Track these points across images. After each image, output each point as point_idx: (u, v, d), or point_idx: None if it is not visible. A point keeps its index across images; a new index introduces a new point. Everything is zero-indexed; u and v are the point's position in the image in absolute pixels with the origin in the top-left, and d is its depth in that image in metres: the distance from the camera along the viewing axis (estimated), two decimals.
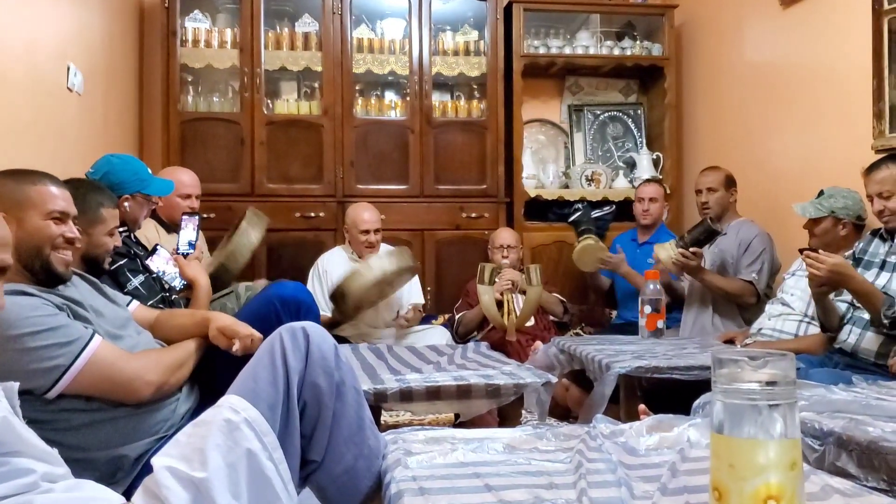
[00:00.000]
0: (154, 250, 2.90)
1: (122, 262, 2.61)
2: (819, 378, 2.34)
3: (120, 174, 2.73)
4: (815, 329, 3.09)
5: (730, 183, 3.80)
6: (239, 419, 1.39)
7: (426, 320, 4.14)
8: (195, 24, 4.54)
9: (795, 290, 3.25)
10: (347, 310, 3.60)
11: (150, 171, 2.91)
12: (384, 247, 4.07)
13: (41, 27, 2.91)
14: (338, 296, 3.54)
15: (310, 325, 1.59)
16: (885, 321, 2.52)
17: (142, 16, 4.59)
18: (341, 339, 3.64)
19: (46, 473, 1.30)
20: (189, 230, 3.21)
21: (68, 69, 3.13)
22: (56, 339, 1.60)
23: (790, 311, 3.21)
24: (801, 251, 2.71)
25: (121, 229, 2.70)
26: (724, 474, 1.00)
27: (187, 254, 3.16)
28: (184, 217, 3.25)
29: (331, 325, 3.69)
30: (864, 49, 3.32)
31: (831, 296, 2.77)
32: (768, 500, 0.98)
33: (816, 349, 2.92)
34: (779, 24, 4.02)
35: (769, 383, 1.00)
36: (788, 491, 0.98)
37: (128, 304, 2.07)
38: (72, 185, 2.11)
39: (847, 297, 2.79)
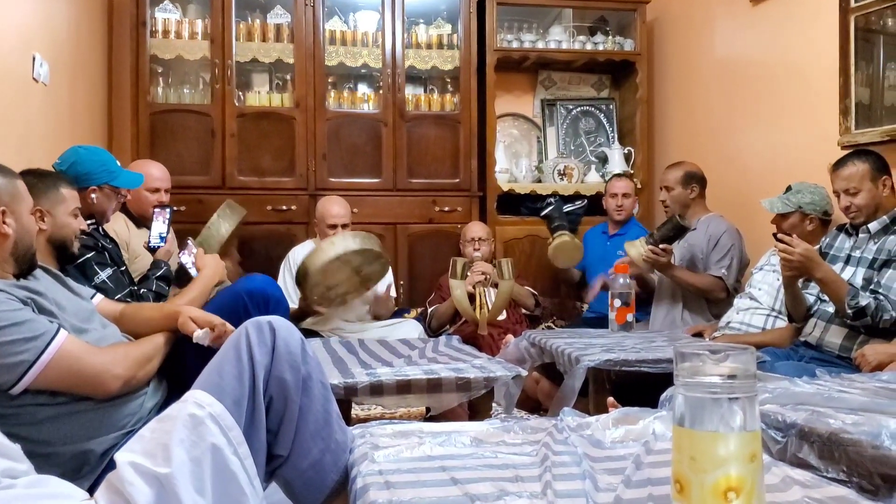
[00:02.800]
0: (186, 243, 2.97)
1: (89, 255, 2.59)
2: (784, 371, 2.37)
3: (87, 165, 2.70)
4: (782, 323, 3.14)
5: (688, 179, 3.82)
6: (203, 414, 1.38)
7: (398, 314, 4.14)
8: (165, 14, 4.49)
9: (763, 284, 3.29)
10: (310, 290, 3.50)
11: (118, 163, 2.88)
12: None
13: (5, 16, 2.85)
14: (300, 276, 3.47)
15: (276, 319, 1.58)
16: (849, 311, 2.57)
17: (110, 5, 4.52)
18: (313, 334, 3.63)
19: (7, 469, 1.29)
20: (160, 223, 3.19)
21: (34, 59, 3.08)
22: (21, 335, 1.58)
23: (758, 305, 3.26)
24: (774, 235, 2.75)
25: (89, 222, 2.68)
26: (686, 467, 1.01)
27: (158, 247, 3.14)
28: (155, 210, 3.24)
29: (301, 316, 3.66)
30: (832, 46, 3.36)
31: (799, 283, 2.82)
32: (728, 493, 0.98)
33: (783, 342, 2.97)
34: (748, 21, 4.05)
35: (730, 377, 1.01)
36: (748, 483, 0.99)
37: (92, 297, 2.05)
38: (25, 173, 2.10)
39: (814, 289, 2.84)
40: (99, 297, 2.11)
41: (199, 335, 1.88)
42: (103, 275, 2.60)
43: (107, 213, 2.85)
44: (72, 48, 3.70)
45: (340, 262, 3.43)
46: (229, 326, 1.88)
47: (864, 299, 2.55)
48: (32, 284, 1.75)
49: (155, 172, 3.44)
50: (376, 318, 3.97)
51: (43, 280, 1.84)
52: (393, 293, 4.08)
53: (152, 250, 3.16)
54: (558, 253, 4.09)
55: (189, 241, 3.02)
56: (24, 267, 1.77)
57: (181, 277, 2.88)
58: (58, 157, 2.79)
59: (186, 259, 2.90)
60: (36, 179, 2.13)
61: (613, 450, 1.47)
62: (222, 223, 3.57)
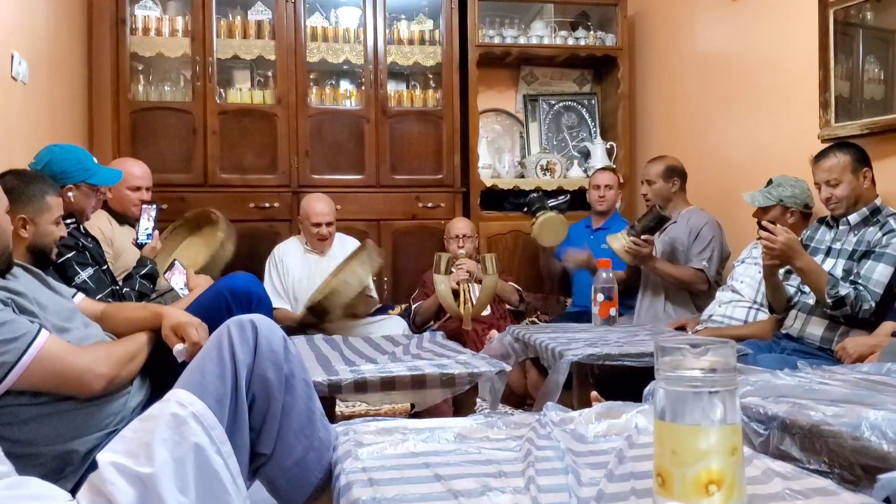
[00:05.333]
0: (172, 264, 2.98)
1: (69, 255, 2.57)
2: (766, 363, 2.39)
3: (62, 164, 2.67)
4: (763, 315, 3.16)
5: (670, 173, 3.84)
6: (186, 413, 1.37)
7: (383, 310, 4.13)
8: (145, 11, 4.47)
9: (745, 277, 3.31)
10: (326, 322, 3.57)
11: (95, 160, 2.87)
12: (344, 238, 4.05)
13: None
14: (318, 311, 3.50)
15: (258, 318, 1.58)
16: (829, 300, 2.59)
17: (89, 3, 4.49)
18: (297, 331, 3.61)
19: None
20: (145, 220, 3.24)
21: (12, 58, 3.06)
22: (1, 336, 1.56)
23: (740, 297, 3.28)
24: (758, 223, 2.77)
25: (68, 221, 2.66)
26: (667, 460, 1.02)
27: (145, 243, 3.17)
28: (143, 206, 3.27)
29: (299, 326, 3.64)
30: (811, 40, 3.38)
31: (780, 273, 2.84)
32: (709, 485, 0.99)
33: (765, 335, 2.99)
34: (728, 16, 4.07)
35: (710, 370, 1.01)
36: (729, 476, 1.00)
37: (73, 296, 2.03)
38: (14, 175, 2.07)
39: (795, 281, 2.86)
40: (80, 295, 2.09)
41: (179, 349, 1.86)
42: (84, 275, 2.58)
43: (86, 212, 2.82)
44: (51, 46, 3.67)
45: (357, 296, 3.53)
46: (202, 342, 1.85)
47: (844, 289, 2.58)
48: (12, 284, 1.73)
49: (136, 171, 3.42)
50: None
51: (23, 279, 1.82)
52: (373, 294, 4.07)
53: (140, 247, 3.19)
54: (543, 230, 4.09)
55: (176, 262, 3.01)
56: (2, 266, 1.75)
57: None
58: None
59: (177, 280, 2.90)
60: (23, 185, 2.09)
61: (596, 444, 1.47)
62: (229, 245, 3.54)
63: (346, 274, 3.58)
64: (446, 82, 4.74)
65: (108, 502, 1.28)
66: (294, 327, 3.65)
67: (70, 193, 2.69)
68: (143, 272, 2.98)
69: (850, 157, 2.77)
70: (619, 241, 3.61)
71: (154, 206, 3.30)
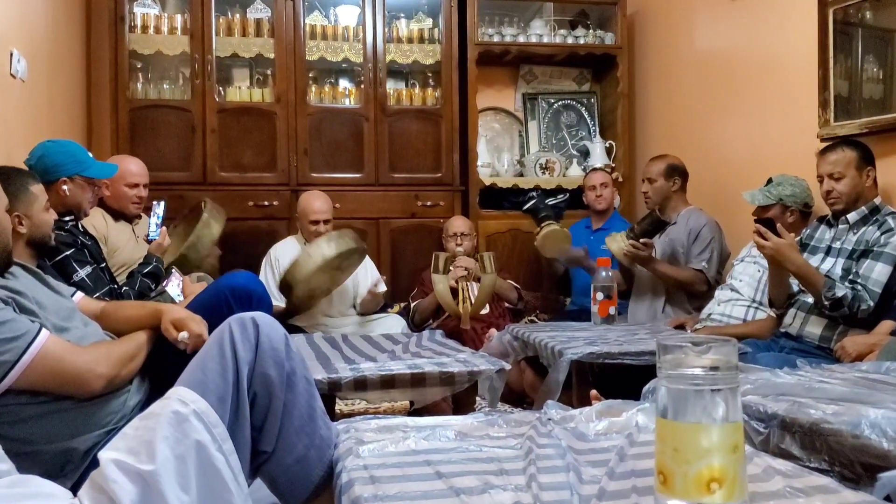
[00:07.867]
0: (169, 272, 3.05)
1: (68, 253, 2.57)
2: (765, 362, 2.39)
3: (55, 157, 2.67)
4: (762, 314, 3.16)
5: (671, 172, 3.83)
6: (188, 411, 1.37)
7: (382, 309, 4.13)
8: (144, 9, 4.47)
9: (744, 275, 3.31)
10: (298, 299, 3.58)
11: (90, 154, 2.86)
12: None
13: None
14: (284, 288, 3.53)
15: (259, 316, 1.58)
16: (826, 302, 2.59)
17: (88, 1, 4.48)
18: (297, 329, 3.62)
19: None
20: (153, 217, 3.31)
21: (11, 55, 3.05)
22: (2, 335, 1.56)
23: (739, 296, 3.28)
24: (756, 220, 2.77)
25: (67, 217, 2.66)
26: (669, 458, 1.02)
27: (152, 239, 3.22)
28: (153, 203, 3.31)
29: (286, 315, 3.67)
30: (810, 39, 3.38)
31: None
32: (711, 483, 0.99)
33: (764, 333, 2.99)
34: (728, 14, 4.07)
35: (712, 368, 1.02)
36: (731, 473, 1.00)
37: (72, 295, 2.03)
38: None
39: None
40: (79, 294, 2.09)
41: (184, 335, 1.86)
42: (82, 273, 2.58)
43: (82, 206, 2.81)
44: (50, 44, 3.66)
45: (321, 270, 3.50)
46: (204, 335, 1.85)
47: (841, 290, 2.58)
48: (12, 283, 1.73)
49: (133, 168, 3.42)
50: (363, 313, 3.96)
51: (22, 279, 1.82)
52: (383, 287, 4.05)
53: (149, 242, 3.24)
54: (546, 242, 4.09)
55: (173, 270, 3.05)
56: (1, 265, 1.74)
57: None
58: None
59: (173, 288, 2.93)
60: (5, 184, 2.07)
61: (597, 442, 1.48)
62: (214, 224, 3.59)
63: (309, 247, 3.62)
64: (445, 81, 4.74)
65: (109, 500, 1.28)
66: (293, 326, 3.65)
67: (64, 187, 2.68)
68: (146, 270, 2.98)
69: (856, 154, 2.78)
70: (618, 244, 3.61)
71: (162, 203, 3.34)
